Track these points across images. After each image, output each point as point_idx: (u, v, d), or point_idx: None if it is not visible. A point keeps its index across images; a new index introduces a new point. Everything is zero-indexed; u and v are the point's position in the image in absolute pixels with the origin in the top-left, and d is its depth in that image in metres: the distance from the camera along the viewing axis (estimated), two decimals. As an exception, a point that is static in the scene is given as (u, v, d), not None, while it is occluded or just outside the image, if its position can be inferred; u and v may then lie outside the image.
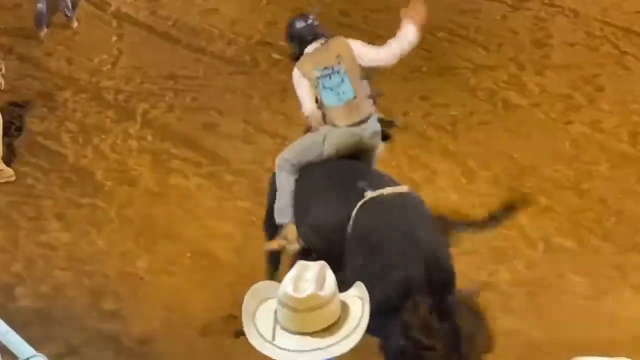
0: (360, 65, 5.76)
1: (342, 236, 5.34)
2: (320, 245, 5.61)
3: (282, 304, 3.02)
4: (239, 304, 6.01)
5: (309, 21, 5.91)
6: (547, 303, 6.14)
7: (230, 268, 6.56)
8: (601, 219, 6.92)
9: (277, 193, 5.86)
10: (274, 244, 5.99)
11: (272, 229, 6.01)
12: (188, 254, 6.76)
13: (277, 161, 5.94)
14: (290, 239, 5.83)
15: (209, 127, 8.21)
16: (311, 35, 5.84)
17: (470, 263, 6.53)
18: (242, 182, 7.46)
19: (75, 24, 9.87)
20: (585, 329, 5.88)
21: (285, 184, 5.84)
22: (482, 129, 8.10)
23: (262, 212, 7.03)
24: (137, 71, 9.05)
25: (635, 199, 7.09)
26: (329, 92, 5.75)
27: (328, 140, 5.84)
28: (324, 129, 5.86)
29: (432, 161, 7.57)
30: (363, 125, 5.81)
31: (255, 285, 3.20)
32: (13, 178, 7.51)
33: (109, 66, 9.18)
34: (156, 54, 9.35)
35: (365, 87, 5.82)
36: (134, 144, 8.02)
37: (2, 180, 7.50)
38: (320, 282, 3.00)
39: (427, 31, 9.53)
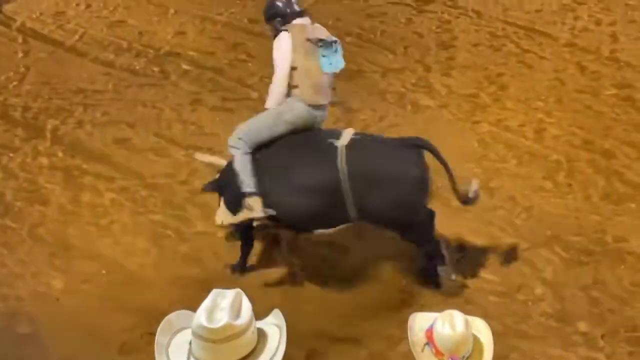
0: None
1: (334, 187, 5.80)
2: (310, 205, 5.89)
3: (196, 335, 2.96)
4: (157, 320, 6.00)
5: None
6: (462, 304, 6.23)
7: (147, 284, 6.50)
8: (511, 216, 7.08)
9: (236, 171, 6.03)
10: (240, 217, 6.13)
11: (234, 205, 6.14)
12: (104, 272, 6.69)
13: (229, 142, 6.11)
14: (255, 208, 6.01)
15: (121, 142, 8.13)
16: (290, 10, 6.13)
17: (388, 269, 6.63)
18: (156, 196, 7.42)
19: None
20: (502, 326, 6.02)
21: (242, 163, 6.04)
22: (392, 132, 8.15)
23: (177, 225, 7.08)
24: (45, 87, 8.91)
25: (543, 194, 7.28)
26: (325, 59, 6.02)
27: (285, 118, 6.04)
28: (282, 107, 6.05)
29: (345, 166, 7.63)
30: (322, 112, 6.15)
31: (169, 316, 3.15)
32: None
33: (15, 83, 9.01)
34: (64, 69, 9.21)
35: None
36: (44, 161, 7.89)
37: None
38: (236, 311, 2.94)
39: (335, 36, 9.76)
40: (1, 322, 6.27)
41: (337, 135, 5.98)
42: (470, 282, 6.46)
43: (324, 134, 6.07)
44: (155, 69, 9.28)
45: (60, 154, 7.97)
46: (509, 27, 9.87)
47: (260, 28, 9.96)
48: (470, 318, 3.49)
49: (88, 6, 10.48)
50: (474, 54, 9.42)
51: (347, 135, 5.96)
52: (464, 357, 3.41)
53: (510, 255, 6.68)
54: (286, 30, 6.07)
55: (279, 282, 6.48)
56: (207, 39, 9.84)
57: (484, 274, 6.52)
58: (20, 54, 9.57)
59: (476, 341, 3.47)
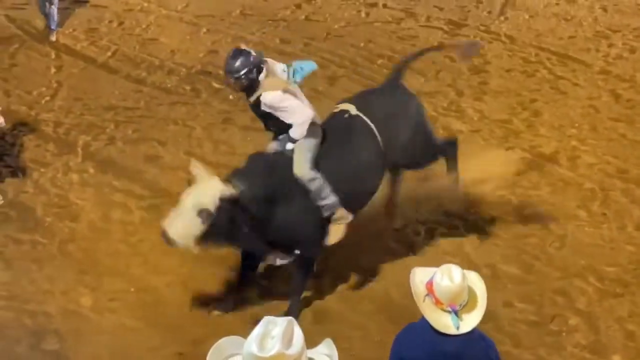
0: None
1: None
2: None
3: None
4: (184, 341, 5.98)
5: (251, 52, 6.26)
6: (494, 332, 6.14)
7: (175, 304, 6.47)
8: (544, 244, 7.00)
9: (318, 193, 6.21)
10: (336, 235, 6.34)
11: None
12: (132, 289, 6.66)
13: (305, 177, 6.23)
14: (346, 215, 6.31)
15: (151, 159, 8.13)
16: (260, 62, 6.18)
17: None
18: (186, 214, 7.38)
19: (53, 38, 10.08)
20: (534, 356, 5.93)
21: (320, 185, 6.31)
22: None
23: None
24: (77, 103, 8.93)
25: (577, 224, 7.19)
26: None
27: None
28: None
29: (376, 189, 7.58)
30: None
31: (218, 342, 3.10)
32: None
33: (47, 98, 9.04)
34: (96, 85, 9.23)
35: None
36: (75, 177, 7.89)
37: None
38: (288, 339, 2.90)
39: (366, 59, 9.76)
40: (29, 338, 6.24)
41: None
42: (502, 310, 6.37)
43: None
44: (187, 87, 9.28)
45: (91, 170, 7.97)
46: (543, 53, 9.81)
47: (291, 49, 9.99)
48: (466, 271, 3.91)
49: (121, 23, 10.51)
50: (506, 79, 9.37)
51: None
52: (460, 305, 3.85)
53: (543, 284, 6.59)
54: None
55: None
56: (239, 59, 9.81)
57: (516, 302, 6.43)
58: (53, 70, 9.60)
59: (471, 292, 3.92)
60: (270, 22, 10.60)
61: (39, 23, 10.38)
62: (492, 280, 6.64)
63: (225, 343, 3.11)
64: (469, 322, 3.89)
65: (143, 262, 6.92)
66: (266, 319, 2.96)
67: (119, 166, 8.04)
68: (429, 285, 3.87)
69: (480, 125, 8.59)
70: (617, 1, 10.89)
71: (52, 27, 10.11)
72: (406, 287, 6.44)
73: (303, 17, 10.76)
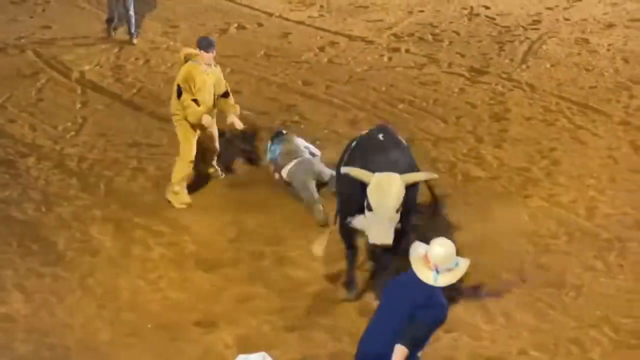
0: None
1: None
2: None
3: None
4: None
5: None
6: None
7: (193, 341, 6.52)
8: (560, 293, 7.02)
9: None
10: None
11: None
12: (149, 326, 6.71)
13: None
14: None
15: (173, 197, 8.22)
16: None
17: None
18: (205, 252, 7.47)
19: (135, 41, 10.96)
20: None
21: None
22: (442, 202, 8.20)
23: (225, 284, 7.09)
24: (101, 139, 9.07)
25: (593, 274, 7.21)
26: None
27: None
28: None
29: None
30: None
31: None
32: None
33: (72, 133, 9.19)
34: (120, 121, 9.38)
35: None
36: (97, 212, 8.00)
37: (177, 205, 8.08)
38: None
39: (387, 103, 9.88)
40: (47, 371, 6.31)
41: None
42: (516, 358, 6.39)
43: None
44: (209, 126, 9.39)
45: (112, 206, 8.08)
46: (563, 102, 9.89)
47: (314, 90, 10.12)
48: (460, 259, 5.21)
49: (147, 61, 10.70)
50: (526, 127, 9.44)
51: None
52: (443, 268, 5.11)
53: (558, 333, 6.60)
54: None
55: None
56: (261, 99, 9.97)
57: (531, 350, 6.45)
58: (79, 105, 9.77)
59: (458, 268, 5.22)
60: (293, 63, 10.76)
61: (65, 58, 10.58)
62: (507, 328, 6.69)
63: None
64: (445, 280, 5.13)
65: (161, 298, 7.00)
66: (240, 357, 3.08)
67: (140, 203, 8.15)
68: (426, 254, 5.14)
69: (499, 173, 8.66)
70: (639, 53, 11.00)
71: (133, 31, 10.95)
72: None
73: (326, 59, 10.91)
